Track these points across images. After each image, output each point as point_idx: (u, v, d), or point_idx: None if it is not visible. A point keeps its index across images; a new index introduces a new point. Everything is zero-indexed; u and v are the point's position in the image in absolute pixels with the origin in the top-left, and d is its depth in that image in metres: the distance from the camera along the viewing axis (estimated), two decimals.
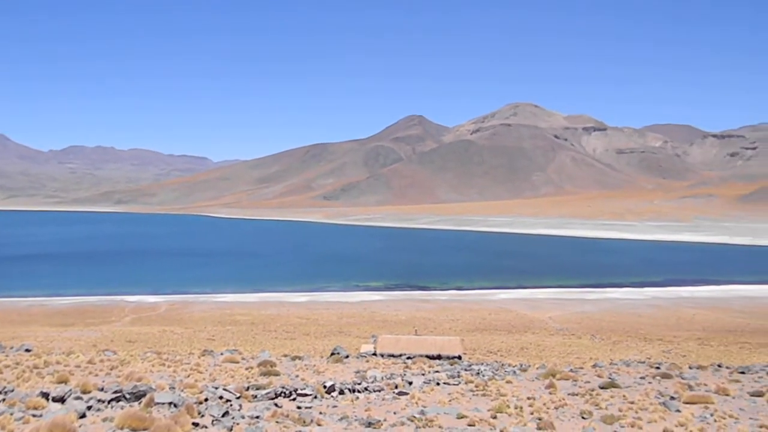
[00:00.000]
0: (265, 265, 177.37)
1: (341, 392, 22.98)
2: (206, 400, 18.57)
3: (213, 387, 21.48)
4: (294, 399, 21.23)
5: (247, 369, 29.90)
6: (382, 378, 28.15)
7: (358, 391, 23.51)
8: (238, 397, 20.06)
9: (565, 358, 56.26)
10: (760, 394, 22.86)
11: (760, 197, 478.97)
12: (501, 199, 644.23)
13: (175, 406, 16.82)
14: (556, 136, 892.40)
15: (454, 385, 25.73)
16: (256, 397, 20.71)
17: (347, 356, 41.07)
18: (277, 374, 28.23)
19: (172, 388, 21.57)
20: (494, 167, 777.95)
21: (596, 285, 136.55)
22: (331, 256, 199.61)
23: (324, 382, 23.77)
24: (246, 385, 22.64)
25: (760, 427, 17.34)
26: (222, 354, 36.94)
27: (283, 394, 21.38)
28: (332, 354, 41.63)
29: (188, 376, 27.40)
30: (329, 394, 22.53)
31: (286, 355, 39.00)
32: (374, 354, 48.55)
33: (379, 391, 23.90)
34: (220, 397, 19.36)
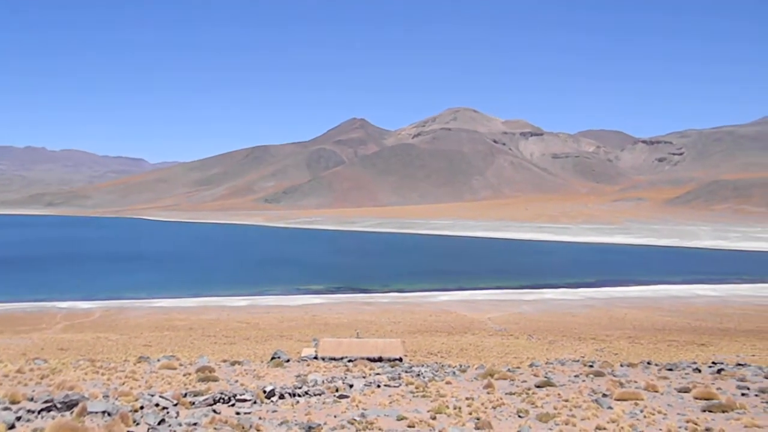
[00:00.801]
0: (205, 269, 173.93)
1: (281, 397, 22.78)
2: (142, 408, 18.09)
3: (149, 394, 20.94)
4: (233, 405, 20.92)
5: (184, 375, 29.25)
6: (323, 381, 28.07)
7: (299, 396, 23.37)
8: (175, 404, 19.61)
9: (503, 358, 57.43)
10: (686, 390, 23.75)
11: (686, 200, 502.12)
12: (442, 202, 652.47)
13: (109, 414, 16.31)
14: (494, 141, 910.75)
15: (394, 387, 25.89)
16: (193, 403, 20.30)
17: (288, 360, 40.72)
18: (215, 380, 27.75)
19: (106, 396, 20.90)
20: (435, 171, 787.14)
21: (533, 286, 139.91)
22: (273, 260, 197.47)
23: (264, 387, 23.51)
24: (183, 392, 22.16)
25: (687, 422, 17.96)
26: (159, 360, 35.99)
27: (221, 400, 21.03)
28: (273, 358, 41.21)
29: (123, 383, 26.59)
30: (269, 399, 22.30)
31: (225, 361, 38.34)
32: (315, 357, 48.38)
33: (320, 394, 23.83)
34: (157, 405, 18.88)
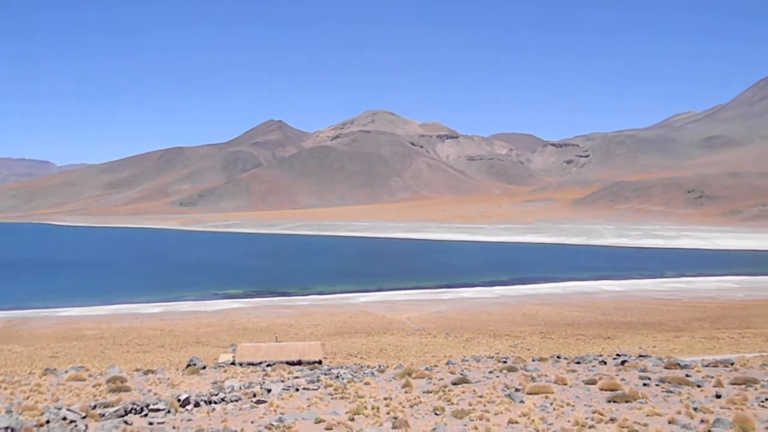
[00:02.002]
0: (116, 275, 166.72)
1: (197, 405, 22.28)
2: (48, 422, 17.25)
3: (55, 408, 19.96)
4: (146, 415, 20.27)
5: (94, 386, 28.04)
6: (240, 387, 27.65)
7: (215, 403, 22.93)
8: (83, 417, 18.82)
9: (421, 357, 58.31)
10: (593, 382, 24.81)
11: (592, 201, 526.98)
12: (361, 203, 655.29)
13: (13, 430, 15.49)
14: (412, 143, 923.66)
15: (313, 390, 25.85)
16: (103, 415, 19.54)
17: (204, 367, 39.80)
18: (127, 390, 26.77)
19: (9, 411, 19.75)
20: (354, 173, 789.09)
21: (450, 285, 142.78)
22: (188, 264, 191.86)
23: (178, 396, 22.90)
24: (93, 404, 21.28)
25: (594, 412, 18.71)
26: (66, 372, 34.28)
27: (133, 411, 20.35)
28: (188, 365, 40.13)
29: (28, 397, 25.22)
30: (184, 407, 21.75)
31: (138, 370, 37.00)
32: (233, 363, 47.45)
33: (237, 401, 23.47)
34: (64, 418, 18.05)
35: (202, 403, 22.59)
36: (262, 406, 21.96)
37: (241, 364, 46.01)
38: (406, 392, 24.21)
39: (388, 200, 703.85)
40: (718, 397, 21.22)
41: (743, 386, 23.47)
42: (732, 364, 32.43)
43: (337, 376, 31.38)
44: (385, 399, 22.47)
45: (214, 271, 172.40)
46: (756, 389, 22.80)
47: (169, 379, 31.48)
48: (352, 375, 32.29)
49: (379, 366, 39.72)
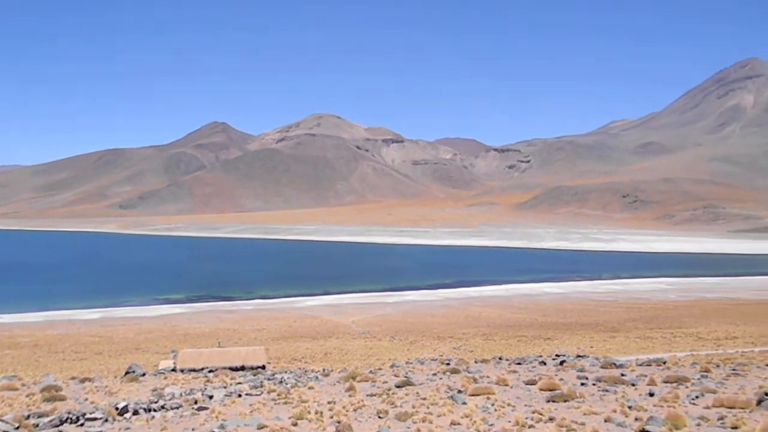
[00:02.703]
0: (52, 280, 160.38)
1: (135, 413, 21.76)
2: None
3: None
4: (82, 424, 19.69)
5: (27, 396, 26.99)
6: (181, 394, 27.11)
7: (155, 410, 22.44)
8: (17, 428, 18.17)
9: (366, 361, 58.43)
10: (533, 383, 25.35)
11: (533, 205, 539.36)
12: (306, 207, 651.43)
13: None
14: (358, 147, 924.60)
15: (256, 395, 25.61)
16: (37, 425, 18.89)
17: (144, 374, 38.81)
18: (62, 399, 25.88)
19: None
20: (299, 176, 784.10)
21: (396, 289, 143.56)
22: (128, 269, 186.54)
23: (116, 404, 22.32)
24: (26, 414, 20.53)
25: (533, 412, 19.10)
26: None
27: (69, 420, 19.73)
28: (127, 373, 39.06)
29: None
30: (122, 415, 21.22)
31: (74, 378, 35.75)
32: (174, 370, 46.42)
33: (178, 408, 23.03)
34: None
35: (141, 411, 22.08)
36: (203, 412, 21.62)
37: (182, 371, 45.06)
38: (350, 396, 24.26)
39: (333, 204, 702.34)
40: (652, 395, 21.90)
41: (675, 384, 24.40)
42: (664, 362, 33.59)
43: (281, 381, 31.15)
44: (329, 403, 22.47)
45: (155, 276, 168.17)
46: (687, 387, 23.72)
47: (106, 387, 30.58)
48: (295, 379, 32.11)
49: (324, 370, 39.58)
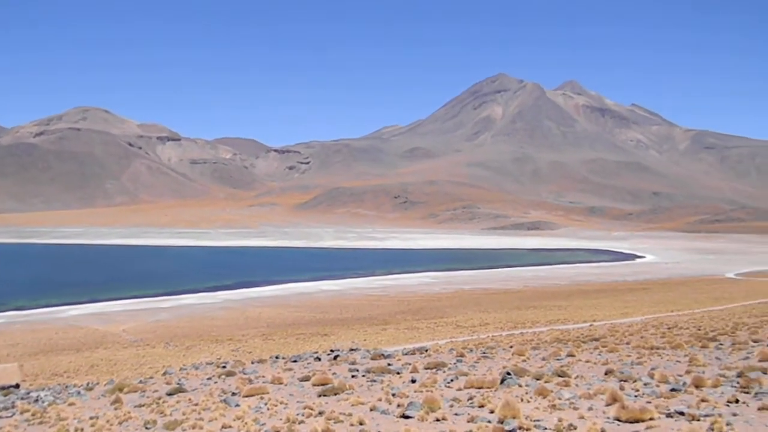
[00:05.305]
0: None
1: None
2: None
3: None
4: None
5: None
6: None
7: None
8: None
9: (137, 370, 55.09)
10: (307, 379, 25.53)
11: (313, 205, 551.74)
12: (71, 208, 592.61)
13: None
14: (130, 144, 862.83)
15: (7, 417, 23.01)
16: None
17: None
18: None
19: None
20: (63, 174, 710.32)
21: (172, 293, 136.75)
22: None
23: None
24: None
25: (305, 408, 19.46)
26: None
27: None
28: None
29: None
30: None
31: None
32: None
33: None
34: None
35: None
36: None
37: None
38: (115, 409, 22.90)
39: (103, 204, 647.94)
40: (414, 381, 23.35)
41: (434, 370, 26.38)
42: (426, 350, 36.35)
43: (37, 400, 28.24)
44: (91, 419, 21.02)
45: None
46: (444, 371, 25.76)
47: None
48: (54, 396, 29.32)
49: (88, 384, 36.56)
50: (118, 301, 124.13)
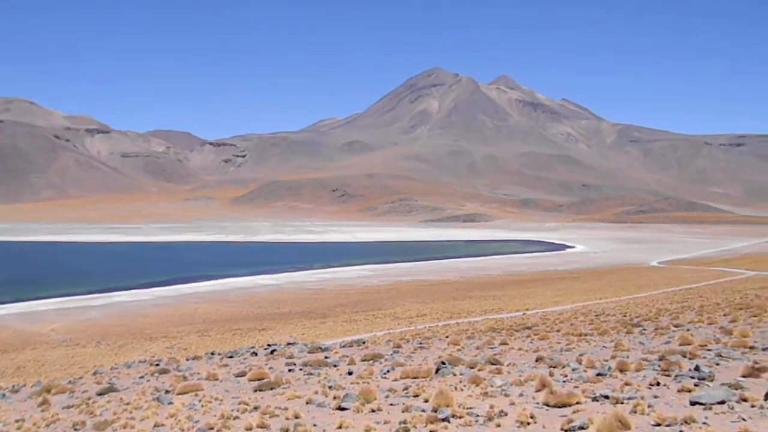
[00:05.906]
0: None
1: None
2: None
3: None
4: None
5: None
6: None
7: None
8: None
9: (67, 371, 53.18)
10: (243, 374, 25.42)
11: (250, 199, 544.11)
12: None
13: None
14: (56, 137, 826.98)
15: None
16: None
17: None
18: None
19: None
20: None
21: (104, 290, 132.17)
22: None
23: None
24: None
25: (240, 403, 19.21)
26: None
27: None
28: None
29: None
30: None
31: None
32: None
33: None
34: None
35: None
36: None
37: None
38: (42, 411, 22.14)
39: (28, 199, 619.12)
40: (351, 374, 23.44)
41: (371, 362, 26.47)
42: (364, 342, 36.36)
43: None
44: (17, 422, 20.28)
45: None
46: (381, 363, 25.92)
47: None
48: None
49: (13, 386, 35.13)
50: (46, 300, 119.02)
